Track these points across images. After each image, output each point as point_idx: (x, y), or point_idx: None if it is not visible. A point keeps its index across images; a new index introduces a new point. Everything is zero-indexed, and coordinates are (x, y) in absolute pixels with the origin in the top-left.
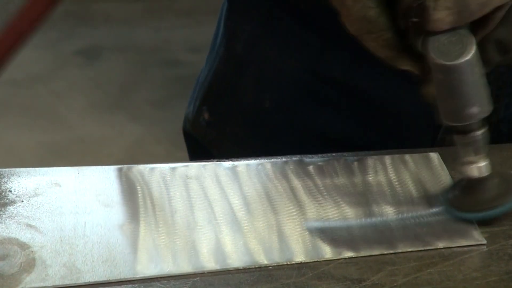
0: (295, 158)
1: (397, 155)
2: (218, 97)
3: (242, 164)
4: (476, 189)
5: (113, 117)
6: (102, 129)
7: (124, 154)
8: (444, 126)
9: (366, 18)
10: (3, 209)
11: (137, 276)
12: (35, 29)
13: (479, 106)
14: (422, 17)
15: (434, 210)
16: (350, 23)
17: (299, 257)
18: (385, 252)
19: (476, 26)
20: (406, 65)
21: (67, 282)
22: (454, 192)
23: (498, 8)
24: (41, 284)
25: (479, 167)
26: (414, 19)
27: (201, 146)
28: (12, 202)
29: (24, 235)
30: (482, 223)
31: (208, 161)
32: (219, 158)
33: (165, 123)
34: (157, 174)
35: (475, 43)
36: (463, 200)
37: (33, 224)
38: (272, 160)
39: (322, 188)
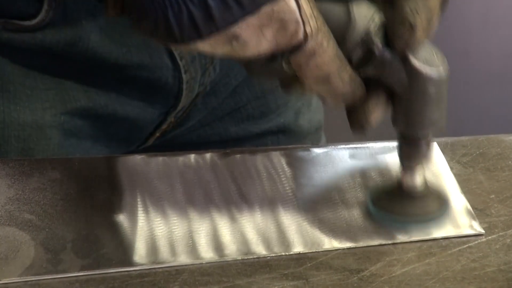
0: (291, 147)
1: (395, 144)
2: None
3: (239, 155)
4: (415, 198)
5: None
6: None
7: None
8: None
9: (338, 56)
10: (2, 200)
11: (134, 267)
12: None
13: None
14: (403, 35)
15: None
16: (326, 65)
17: (298, 248)
18: (384, 243)
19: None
20: (360, 94)
21: (65, 273)
22: (386, 195)
23: None
24: (39, 275)
25: (421, 177)
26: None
27: None
28: (12, 194)
29: (23, 227)
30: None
31: (205, 152)
32: None
33: None
34: (154, 164)
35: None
36: (396, 208)
37: (33, 216)
38: (269, 151)
39: (320, 178)
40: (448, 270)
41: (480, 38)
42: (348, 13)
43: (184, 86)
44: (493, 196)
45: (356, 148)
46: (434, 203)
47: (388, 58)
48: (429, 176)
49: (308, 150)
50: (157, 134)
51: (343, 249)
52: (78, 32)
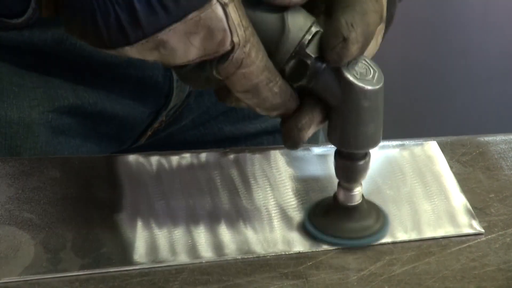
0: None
1: (394, 143)
2: None
3: (239, 154)
4: (349, 215)
5: None
6: None
7: None
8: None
9: (267, 67)
10: (2, 199)
11: (134, 266)
12: None
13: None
14: (335, 48)
15: (432, 199)
16: (254, 76)
17: (297, 247)
18: (383, 242)
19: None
20: (293, 106)
21: (65, 272)
22: (321, 214)
23: None
24: (39, 275)
25: (357, 194)
26: (312, 56)
27: None
28: (12, 193)
29: (23, 226)
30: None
31: (205, 151)
32: None
33: None
34: (154, 163)
35: None
36: (332, 224)
37: (32, 215)
38: (269, 150)
39: (319, 177)
40: (448, 269)
41: (479, 38)
42: (283, 23)
43: (175, 85)
44: (493, 195)
45: None
46: (371, 219)
47: (322, 70)
48: (429, 175)
49: (308, 149)
50: (149, 133)
51: (343, 248)
52: None
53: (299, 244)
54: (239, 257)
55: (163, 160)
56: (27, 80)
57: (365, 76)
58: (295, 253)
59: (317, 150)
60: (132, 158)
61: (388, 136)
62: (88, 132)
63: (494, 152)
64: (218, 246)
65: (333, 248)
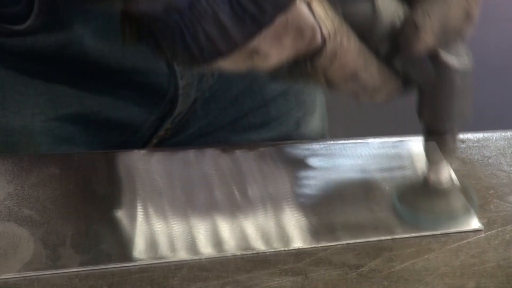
0: (290, 143)
1: (393, 140)
2: None
3: (238, 151)
4: (441, 194)
5: None
6: None
7: None
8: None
9: (362, 51)
10: (2, 196)
11: (134, 262)
12: None
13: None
14: (406, 34)
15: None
16: (351, 63)
17: (297, 243)
18: (383, 238)
19: None
20: (395, 86)
21: (65, 268)
22: (412, 192)
23: None
24: (39, 271)
25: (445, 173)
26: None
27: None
28: (12, 189)
29: (22, 222)
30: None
31: (205, 147)
32: None
33: None
34: (154, 159)
35: None
36: (422, 205)
37: (32, 211)
38: (270, 146)
39: (319, 173)
40: (447, 266)
41: (480, 34)
42: (374, 6)
43: (180, 92)
44: (492, 191)
45: (356, 143)
46: (460, 198)
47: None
48: (429, 173)
49: (308, 146)
50: (154, 141)
51: (342, 244)
52: (69, 36)
53: (298, 241)
54: (239, 254)
55: (163, 157)
56: (30, 88)
57: (456, 53)
58: (295, 250)
59: (317, 146)
60: (131, 154)
61: (387, 133)
62: (92, 140)
63: (494, 149)
64: (217, 243)
65: (333, 244)
